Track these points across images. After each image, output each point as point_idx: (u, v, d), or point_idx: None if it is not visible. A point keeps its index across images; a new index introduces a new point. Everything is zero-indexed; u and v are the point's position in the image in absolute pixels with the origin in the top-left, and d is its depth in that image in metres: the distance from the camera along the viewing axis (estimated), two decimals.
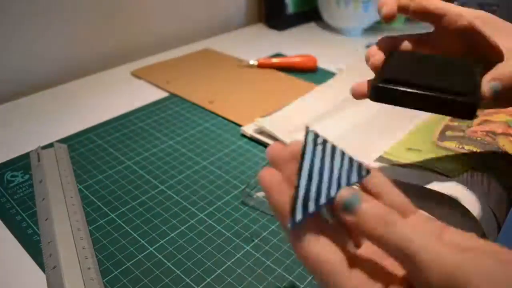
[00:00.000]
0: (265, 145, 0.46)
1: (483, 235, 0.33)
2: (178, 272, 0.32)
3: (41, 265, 0.32)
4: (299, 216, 0.20)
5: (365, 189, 0.22)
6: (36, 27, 0.58)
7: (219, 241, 0.34)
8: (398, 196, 0.22)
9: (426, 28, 0.36)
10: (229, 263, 0.32)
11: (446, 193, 0.36)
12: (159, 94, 0.58)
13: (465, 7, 0.35)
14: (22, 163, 0.43)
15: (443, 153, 0.42)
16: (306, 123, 0.49)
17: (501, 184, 0.38)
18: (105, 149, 0.46)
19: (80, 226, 0.35)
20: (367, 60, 0.34)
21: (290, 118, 0.50)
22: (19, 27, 0.57)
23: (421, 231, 0.18)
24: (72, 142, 0.47)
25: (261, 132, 0.47)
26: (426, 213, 0.24)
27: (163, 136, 0.49)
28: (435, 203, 0.36)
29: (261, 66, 0.66)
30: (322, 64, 0.67)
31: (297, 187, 0.20)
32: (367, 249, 0.22)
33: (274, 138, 0.46)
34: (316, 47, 0.76)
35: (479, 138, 0.43)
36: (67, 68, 0.64)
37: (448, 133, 0.45)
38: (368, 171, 0.22)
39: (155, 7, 0.72)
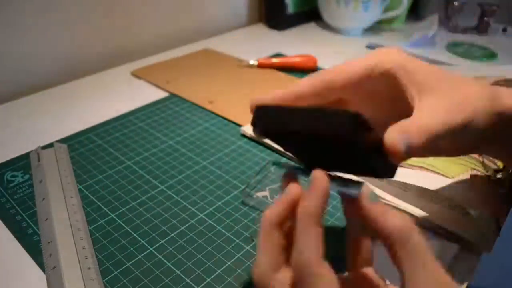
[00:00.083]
0: (265, 145, 0.46)
1: (482, 235, 0.33)
2: (178, 272, 0.32)
3: (41, 265, 0.32)
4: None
5: None
6: (36, 27, 0.58)
7: (219, 241, 0.34)
8: None
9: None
10: (229, 263, 0.32)
11: (445, 193, 0.36)
12: (159, 94, 0.58)
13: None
14: (22, 163, 0.43)
15: None
16: None
17: (501, 184, 0.38)
18: (105, 149, 0.46)
19: (80, 226, 0.35)
20: None
21: None
22: (18, 27, 0.57)
23: None
24: (72, 142, 0.47)
25: None
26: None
27: (163, 136, 0.49)
28: (435, 203, 0.36)
29: (261, 66, 0.66)
30: (322, 64, 0.67)
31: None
32: None
33: None
34: (316, 47, 0.76)
35: None
36: (67, 68, 0.64)
37: None
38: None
39: (155, 7, 0.72)
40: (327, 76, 0.28)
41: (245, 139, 0.48)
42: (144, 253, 0.33)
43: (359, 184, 0.23)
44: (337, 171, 0.25)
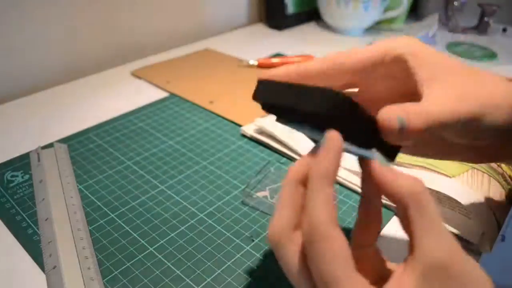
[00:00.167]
0: (265, 145, 0.46)
1: (483, 235, 0.33)
2: (178, 272, 0.32)
3: (41, 265, 0.32)
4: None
5: None
6: (36, 27, 0.58)
7: (219, 241, 0.34)
8: None
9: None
10: (229, 263, 0.32)
11: (446, 193, 0.36)
12: (159, 94, 0.58)
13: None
14: (22, 163, 0.43)
15: None
16: None
17: (501, 184, 0.38)
18: (105, 149, 0.46)
19: (80, 226, 0.35)
20: None
21: None
22: (18, 27, 0.57)
23: None
24: (72, 142, 0.47)
25: (261, 132, 0.47)
26: None
27: (163, 136, 0.49)
28: (435, 203, 0.36)
29: (261, 66, 0.66)
30: None
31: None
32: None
33: (274, 138, 0.46)
34: (316, 47, 0.76)
35: None
36: (67, 68, 0.64)
37: None
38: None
39: (156, 7, 0.72)
40: (338, 58, 0.27)
41: (245, 139, 0.48)
42: (144, 253, 0.33)
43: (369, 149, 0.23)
44: None
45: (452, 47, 0.77)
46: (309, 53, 0.68)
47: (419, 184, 0.21)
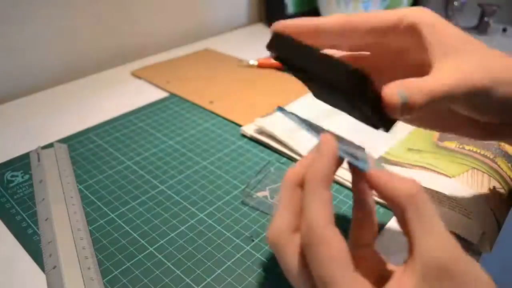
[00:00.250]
0: (265, 145, 0.46)
1: (483, 235, 0.33)
2: (178, 272, 0.32)
3: (41, 265, 0.32)
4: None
5: None
6: (36, 27, 0.58)
7: (219, 241, 0.34)
8: None
9: None
10: (229, 263, 0.32)
11: (446, 193, 0.36)
12: (159, 94, 0.58)
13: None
14: (22, 163, 0.43)
15: (443, 153, 0.42)
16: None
17: (501, 184, 0.38)
18: (105, 149, 0.46)
19: (80, 226, 0.35)
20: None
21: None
22: (18, 27, 0.57)
23: None
24: (72, 142, 0.47)
25: (261, 132, 0.47)
26: None
27: (163, 136, 0.49)
28: (435, 203, 0.36)
29: (261, 66, 0.66)
30: None
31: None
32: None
33: (274, 138, 0.46)
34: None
35: None
36: (67, 68, 0.64)
37: None
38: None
39: (156, 7, 0.72)
40: (353, 18, 0.27)
41: (245, 139, 0.48)
42: (144, 253, 0.33)
43: (365, 150, 0.24)
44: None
45: None
46: None
47: (414, 185, 0.21)
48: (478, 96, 0.25)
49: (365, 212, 0.24)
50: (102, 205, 0.38)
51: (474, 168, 0.39)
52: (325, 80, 0.24)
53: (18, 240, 0.34)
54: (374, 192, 0.23)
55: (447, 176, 0.38)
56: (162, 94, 0.58)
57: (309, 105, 0.54)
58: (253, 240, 0.34)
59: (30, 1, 0.56)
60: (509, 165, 0.41)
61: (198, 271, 0.32)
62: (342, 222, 0.36)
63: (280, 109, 0.27)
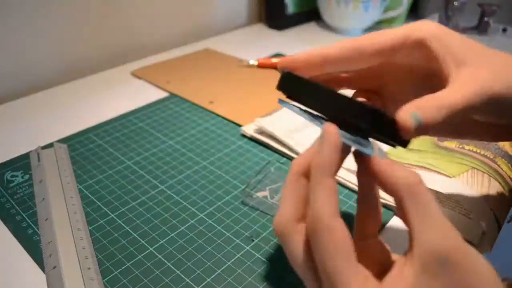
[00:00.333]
0: (265, 145, 0.46)
1: (483, 235, 0.33)
2: (178, 272, 0.32)
3: (41, 265, 0.32)
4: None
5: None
6: (36, 27, 0.58)
7: (219, 241, 0.34)
8: None
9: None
10: (229, 263, 0.32)
11: (446, 193, 0.36)
12: (159, 94, 0.58)
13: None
14: (22, 163, 0.43)
15: (443, 153, 0.42)
16: (306, 122, 0.49)
17: (501, 184, 0.38)
18: (105, 149, 0.46)
19: (80, 226, 0.35)
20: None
21: (291, 118, 0.50)
22: (18, 26, 0.57)
23: None
24: (72, 142, 0.47)
25: (261, 132, 0.47)
26: None
27: (163, 136, 0.49)
28: (433, 195, 0.36)
29: (261, 66, 0.66)
30: None
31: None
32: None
33: (274, 138, 0.46)
34: (316, 47, 0.76)
35: None
36: (67, 68, 0.64)
37: None
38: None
39: (155, 7, 0.72)
40: (358, 41, 0.27)
41: (245, 139, 0.48)
42: (144, 253, 0.33)
43: (368, 140, 0.24)
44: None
45: None
46: None
47: (415, 176, 0.21)
48: (495, 103, 0.25)
49: (370, 204, 0.24)
50: (102, 205, 0.38)
51: (474, 168, 0.39)
52: (340, 118, 0.24)
53: (18, 240, 0.34)
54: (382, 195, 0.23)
55: (447, 176, 0.38)
56: (162, 94, 0.58)
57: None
58: (253, 240, 0.34)
59: (30, 1, 0.56)
60: (509, 165, 0.41)
61: (198, 271, 0.32)
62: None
63: (282, 101, 0.26)
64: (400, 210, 0.21)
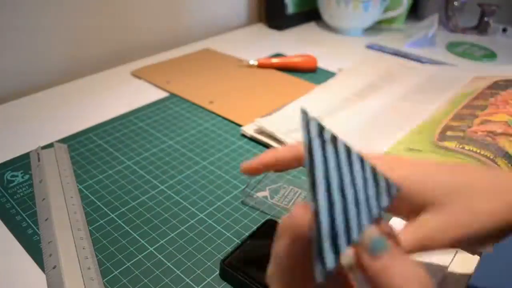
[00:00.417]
0: (265, 145, 0.46)
1: None
2: (178, 272, 0.32)
3: (41, 265, 0.32)
4: (330, 262, 0.14)
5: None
6: (36, 27, 0.58)
7: (219, 241, 0.34)
8: None
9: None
10: None
11: None
12: (159, 94, 0.58)
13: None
14: (22, 163, 0.43)
15: (443, 153, 0.42)
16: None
17: None
18: (105, 149, 0.46)
19: (80, 226, 0.35)
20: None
21: (290, 118, 0.50)
22: (18, 27, 0.57)
23: None
24: (72, 142, 0.47)
25: (261, 132, 0.47)
26: None
27: (163, 136, 0.49)
28: None
29: (261, 66, 0.66)
30: (322, 64, 0.67)
31: (316, 215, 0.14)
32: None
33: (274, 138, 0.46)
34: (316, 47, 0.76)
35: (479, 138, 0.43)
36: (67, 68, 0.64)
37: (449, 133, 0.45)
38: (397, 189, 0.17)
39: (155, 7, 0.72)
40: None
41: (245, 139, 0.48)
42: (144, 253, 0.33)
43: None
44: None
45: (452, 47, 0.77)
46: (309, 53, 0.68)
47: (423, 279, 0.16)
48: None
49: None
50: (102, 205, 0.38)
51: None
52: None
53: (18, 240, 0.34)
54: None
55: None
56: (162, 94, 0.58)
57: (309, 105, 0.54)
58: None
59: (30, 2, 0.56)
60: (509, 165, 0.41)
61: (198, 271, 0.32)
62: None
63: (304, 114, 0.18)
64: None
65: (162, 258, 0.33)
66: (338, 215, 0.15)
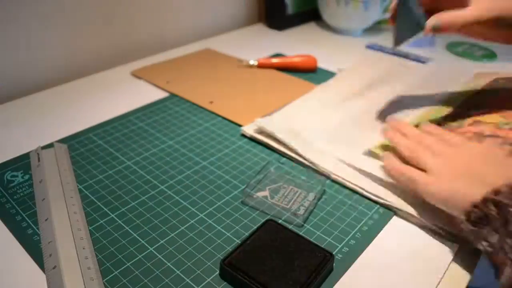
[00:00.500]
0: (265, 145, 0.46)
1: None
2: (178, 272, 0.32)
3: (41, 265, 0.32)
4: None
5: None
6: (36, 27, 0.58)
7: (219, 241, 0.34)
8: None
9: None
10: None
11: None
12: (159, 94, 0.58)
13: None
14: (22, 163, 0.43)
15: None
16: (305, 122, 0.49)
17: None
18: (105, 149, 0.46)
19: (80, 226, 0.35)
20: None
21: (290, 118, 0.50)
22: (19, 27, 0.57)
23: None
24: (72, 142, 0.47)
25: (261, 132, 0.47)
26: None
27: (163, 136, 0.49)
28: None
29: (261, 66, 0.66)
30: (322, 64, 0.67)
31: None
32: None
33: (274, 138, 0.46)
34: (316, 47, 0.76)
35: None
36: (67, 68, 0.64)
37: None
38: None
39: (155, 7, 0.72)
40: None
41: (245, 139, 0.48)
42: (144, 253, 0.33)
43: None
44: None
45: (452, 47, 0.77)
46: (309, 53, 0.68)
47: None
48: (504, 19, 0.41)
49: None
50: (102, 205, 0.38)
51: None
52: None
53: (18, 240, 0.34)
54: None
55: None
56: (162, 94, 0.58)
57: (309, 105, 0.54)
58: None
59: (30, 1, 0.56)
60: None
61: (198, 271, 0.32)
62: (341, 222, 0.36)
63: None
64: None
65: (162, 258, 0.33)
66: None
